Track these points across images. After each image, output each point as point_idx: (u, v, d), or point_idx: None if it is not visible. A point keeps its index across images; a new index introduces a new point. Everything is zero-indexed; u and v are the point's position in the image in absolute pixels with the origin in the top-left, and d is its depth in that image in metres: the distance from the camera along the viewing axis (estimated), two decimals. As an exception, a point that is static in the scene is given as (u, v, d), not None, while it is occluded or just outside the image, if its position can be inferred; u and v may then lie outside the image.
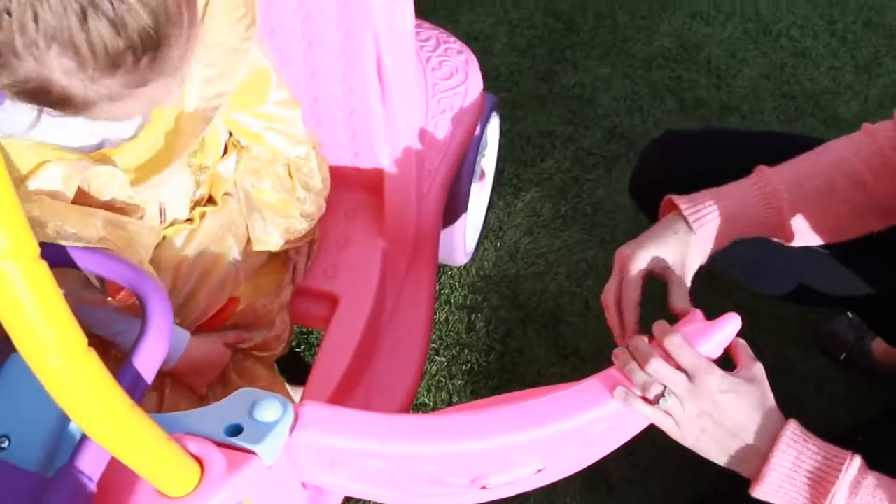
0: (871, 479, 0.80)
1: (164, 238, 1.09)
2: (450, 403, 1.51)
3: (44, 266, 0.51)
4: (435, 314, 1.53)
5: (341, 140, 1.26)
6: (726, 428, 0.82)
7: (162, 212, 1.07)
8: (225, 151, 1.16)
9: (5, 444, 0.79)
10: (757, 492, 0.82)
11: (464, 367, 1.55)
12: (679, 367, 0.81)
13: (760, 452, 0.82)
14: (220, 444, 0.75)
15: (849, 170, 0.99)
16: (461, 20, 2.02)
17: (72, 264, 0.89)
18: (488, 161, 1.64)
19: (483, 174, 1.60)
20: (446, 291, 1.62)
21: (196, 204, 1.12)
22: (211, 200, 1.14)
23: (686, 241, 0.96)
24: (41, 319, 0.50)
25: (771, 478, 0.80)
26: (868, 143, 1.00)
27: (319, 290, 1.27)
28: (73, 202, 0.96)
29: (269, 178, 1.14)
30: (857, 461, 0.80)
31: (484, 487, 0.88)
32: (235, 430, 0.80)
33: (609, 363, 0.85)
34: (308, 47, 1.17)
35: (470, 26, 2.00)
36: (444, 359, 1.55)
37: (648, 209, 1.16)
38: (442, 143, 1.31)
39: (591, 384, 0.83)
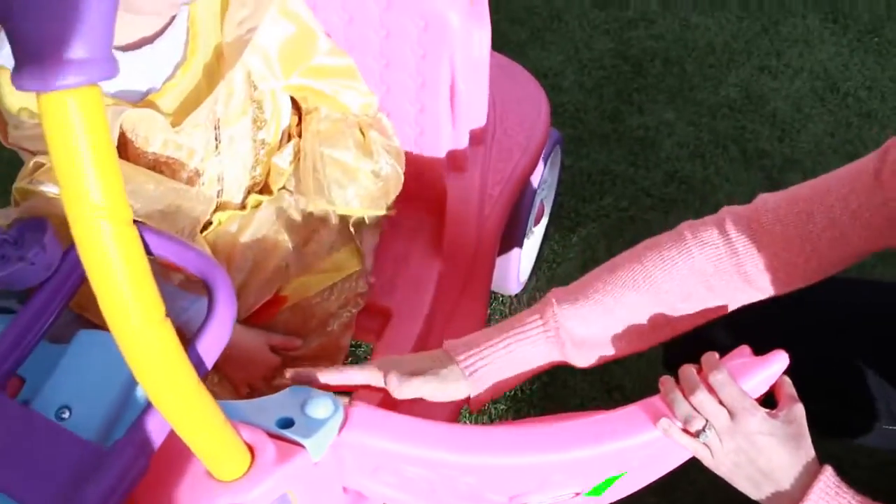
0: None
1: (218, 224, 1.11)
2: (491, 427, 1.51)
3: (135, 231, 0.52)
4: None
5: (408, 158, 1.27)
6: (760, 467, 0.81)
7: (220, 179, 1.09)
8: (289, 139, 1.18)
9: (66, 415, 0.80)
10: None
11: (508, 393, 1.54)
12: (722, 403, 0.81)
13: (793, 498, 0.80)
14: (271, 435, 0.76)
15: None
16: (530, 56, 2.03)
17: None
18: (548, 194, 1.64)
19: (542, 206, 1.61)
20: (497, 317, 1.62)
21: (250, 190, 1.14)
22: (266, 191, 1.16)
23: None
24: (128, 281, 0.52)
25: None
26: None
27: (374, 303, 1.27)
28: (123, 156, 0.98)
29: (341, 139, 1.14)
30: None
31: (520, 508, 0.88)
32: (286, 424, 0.80)
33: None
34: (385, 66, 1.19)
35: (539, 62, 2.01)
36: (489, 383, 1.55)
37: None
38: (505, 170, 1.32)
39: (635, 411, 0.82)
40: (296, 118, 1.17)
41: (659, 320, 0.91)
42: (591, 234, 1.72)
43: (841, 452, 0.82)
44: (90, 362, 0.85)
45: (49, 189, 0.88)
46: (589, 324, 0.90)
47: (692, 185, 1.78)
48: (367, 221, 1.18)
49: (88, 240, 0.50)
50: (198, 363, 0.79)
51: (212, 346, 0.80)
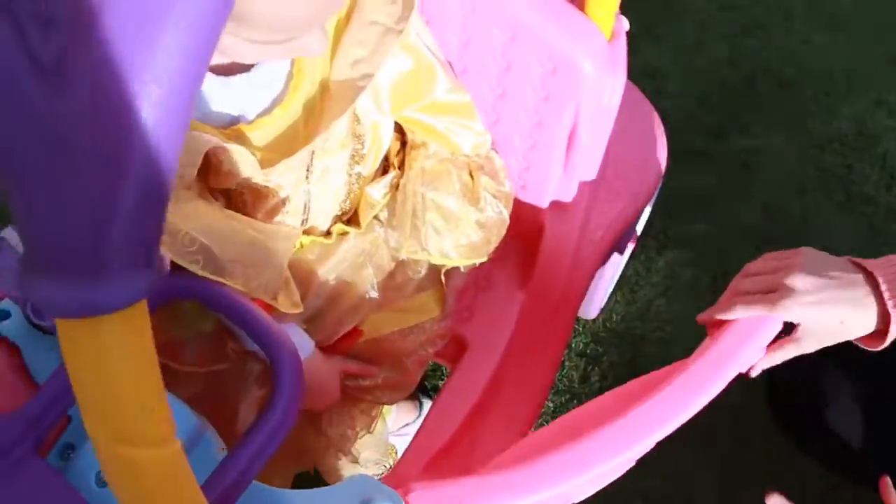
0: None
1: (301, 247, 1.00)
2: (546, 450, 1.41)
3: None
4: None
5: (509, 188, 1.14)
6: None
7: (306, 209, 0.97)
8: (384, 172, 1.06)
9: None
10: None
11: (568, 417, 1.44)
12: None
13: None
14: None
15: None
16: (641, 50, 1.85)
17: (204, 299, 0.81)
18: (641, 221, 1.50)
19: (636, 235, 1.47)
20: (573, 337, 1.51)
21: (338, 219, 1.02)
22: (353, 220, 1.04)
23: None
24: None
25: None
26: None
27: (451, 328, 1.16)
28: (205, 183, 0.87)
29: (447, 182, 1.02)
30: None
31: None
32: None
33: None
34: (500, 96, 1.06)
35: (648, 60, 1.84)
36: (552, 404, 1.45)
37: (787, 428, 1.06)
38: (611, 213, 1.18)
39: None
40: (397, 145, 1.04)
41: None
42: (678, 259, 1.59)
43: None
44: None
45: None
46: None
47: (790, 224, 1.63)
48: (462, 269, 1.06)
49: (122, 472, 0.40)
50: (253, 458, 0.71)
51: (272, 436, 0.72)
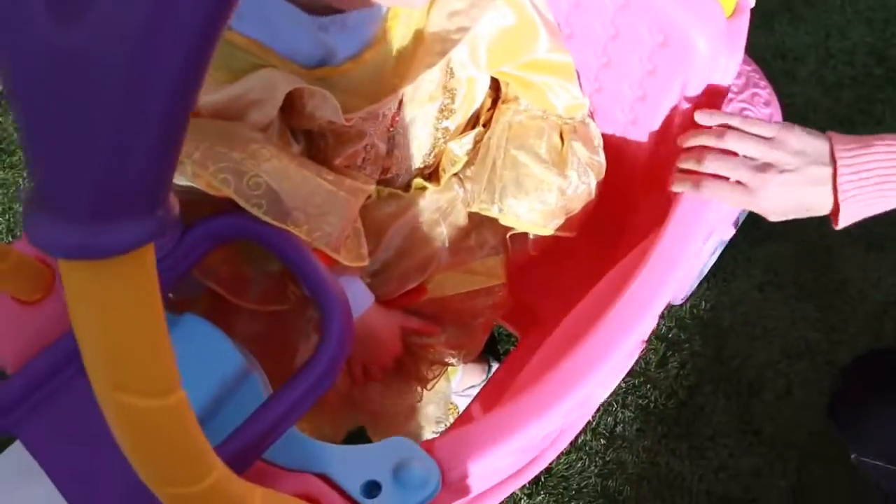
0: None
1: (378, 197, 0.98)
2: (612, 431, 1.38)
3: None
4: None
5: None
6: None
7: (389, 158, 0.95)
8: (475, 125, 1.03)
9: None
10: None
11: (640, 401, 1.40)
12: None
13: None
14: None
15: None
16: (776, 30, 1.76)
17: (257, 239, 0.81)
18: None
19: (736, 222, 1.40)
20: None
21: (419, 172, 1.00)
22: (434, 177, 1.02)
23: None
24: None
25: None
26: None
27: (523, 299, 1.14)
28: (286, 123, 0.85)
29: (535, 141, 0.99)
30: None
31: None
32: (372, 488, 0.72)
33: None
34: (605, 65, 1.01)
35: (783, 40, 1.74)
36: (624, 384, 1.41)
37: (851, 440, 1.03)
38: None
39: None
40: (489, 102, 1.01)
41: None
42: (780, 253, 1.51)
43: None
44: (189, 354, 0.77)
45: (176, 180, 0.76)
46: None
47: (907, 229, 1.52)
48: (529, 235, 1.02)
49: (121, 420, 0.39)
50: (295, 404, 0.71)
51: (314, 387, 0.72)
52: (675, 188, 0.89)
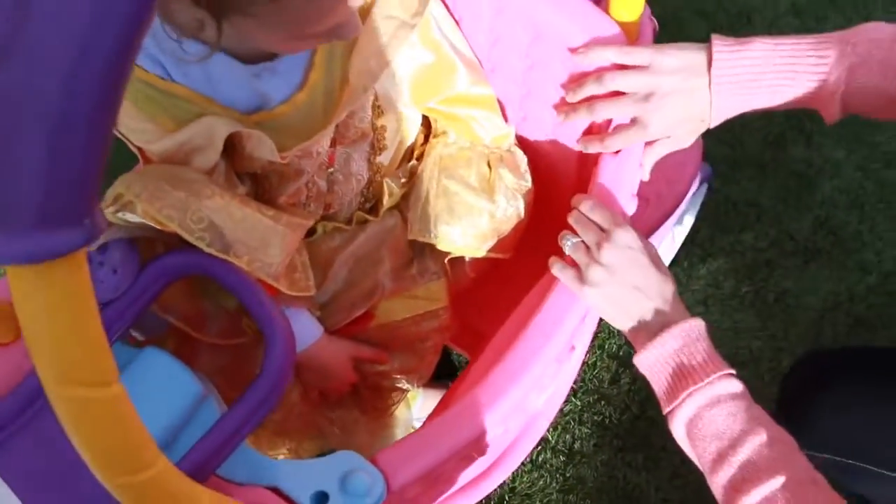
0: (739, 403, 0.79)
1: (323, 232, 1.06)
2: (571, 448, 1.44)
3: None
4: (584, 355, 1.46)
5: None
6: (631, 282, 0.85)
7: (329, 195, 1.03)
8: (409, 159, 1.11)
9: None
10: (637, 358, 0.85)
11: (596, 418, 1.47)
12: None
13: (659, 324, 0.84)
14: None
15: None
16: (707, 57, 1.86)
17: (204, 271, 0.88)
18: (683, 227, 1.52)
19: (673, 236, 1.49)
20: (602, 336, 1.54)
21: (360, 206, 1.08)
22: (374, 210, 1.10)
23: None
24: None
25: (651, 351, 0.83)
26: None
27: (471, 323, 1.21)
28: (231, 166, 0.93)
29: (464, 170, 1.06)
30: (735, 383, 0.80)
31: None
32: (321, 499, 0.78)
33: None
34: (526, 94, 1.10)
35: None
36: (580, 402, 1.48)
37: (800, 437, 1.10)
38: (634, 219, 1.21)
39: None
40: (422, 138, 1.10)
41: None
42: (721, 269, 1.59)
43: None
44: (150, 384, 0.84)
45: (130, 217, 0.83)
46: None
47: (841, 238, 1.61)
48: (466, 259, 1.10)
49: (67, 410, 0.46)
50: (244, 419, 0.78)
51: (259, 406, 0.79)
52: (586, 149, 0.96)
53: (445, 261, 1.11)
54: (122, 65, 0.40)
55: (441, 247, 1.06)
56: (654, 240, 1.29)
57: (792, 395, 1.16)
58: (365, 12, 0.90)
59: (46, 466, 0.80)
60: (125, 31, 0.39)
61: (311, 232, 1.06)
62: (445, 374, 1.47)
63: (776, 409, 1.20)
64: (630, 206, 0.97)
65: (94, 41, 0.38)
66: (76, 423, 0.48)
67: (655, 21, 1.04)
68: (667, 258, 1.54)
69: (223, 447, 0.79)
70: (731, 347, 1.51)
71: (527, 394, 0.93)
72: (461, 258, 1.11)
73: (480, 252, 1.07)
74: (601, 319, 1.48)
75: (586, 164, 1.11)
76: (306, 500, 0.79)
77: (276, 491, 0.81)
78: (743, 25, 1.90)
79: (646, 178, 0.97)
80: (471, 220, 1.05)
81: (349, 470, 0.80)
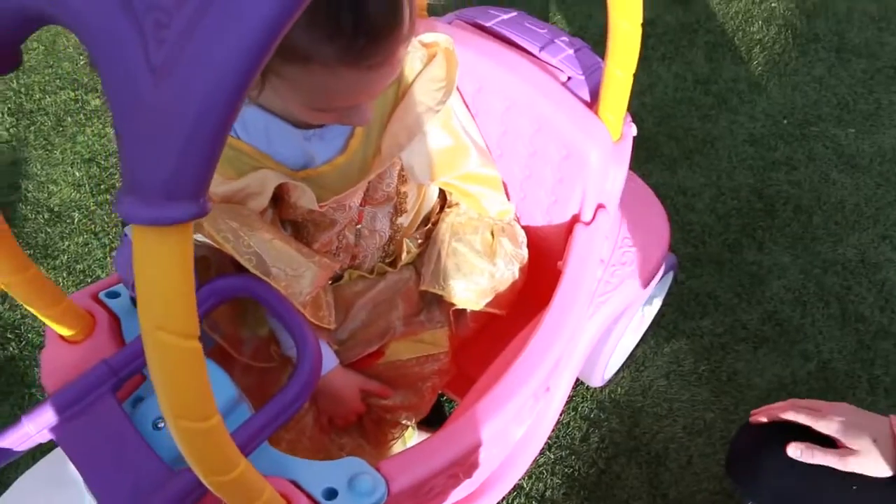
0: None
1: (349, 279, 1.13)
2: (543, 496, 1.48)
3: (198, 345, 0.54)
4: (560, 414, 1.51)
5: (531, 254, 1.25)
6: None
7: (356, 246, 1.11)
8: (426, 224, 1.18)
9: (161, 425, 0.85)
10: None
11: (566, 470, 1.51)
12: None
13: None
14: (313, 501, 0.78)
15: None
16: (678, 173, 1.98)
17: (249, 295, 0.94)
18: (652, 308, 1.59)
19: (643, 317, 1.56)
20: (577, 399, 1.59)
21: (381, 259, 1.15)
22: (393, 263, 1.17)
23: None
24: (181, 385, 0.55)
25: None
26: None
27: (464, 370, 1.27)
28: (277, 213, 1.01)
29: (471, 235, 1.14)
30: None
31: None
32: (331, 494, 0.82)
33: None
34: (527, 177, 1.19)
35: (683, 181, 1.96)
36: (553, 455, 1.52)
37: (747, 491, 1.15)
38: (609, 288, 1.28)
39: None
40: (437, 207, 1.18)
41: None
42: (682, 349, 1.66)
43: None
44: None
45: (196, 237, 0.91)
46: None
47: (786, 330, 1.69)
48: (468, 312, 1.17)
49: (155, 351, 0.52)
50: (277, 415, 0.83)
51: (292, 401, 0.84)
52: (800, 456, 1.05)
53: (450, 312, 1.17)
54: (244, 87, 0.48)
55: (447, 299, 1.13)
56: (627, 311, 1.36)
57: (737, 457, 1.20)
58: (402, 95, 0.99)
59: (99, 443, 0.85)
60: (253, 64, 0.47)
61: (338, 278, 1.13)
62: (436, 420, 1.52)
63: (725, 469, 1.25)
64: (597, 270, 1.05)
65: (229, 69, 0.47)
66: (162, 363, 0.54)
67: (635, 127, 1.13)
68: (637, 334, 1.61)
69: (254, 437, 0.84)
70: (688, 417, 1.57)
71: (507, 424, 0.99)
72: (464, 311, 1.18)
73: (479, 306, 1.14)
74: (577, 381, 1.55)
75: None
76: (319, 494, 0.83)
77: (293, 483, 0.85)
78: (708, 149, 2.02)
79: None
80: (473, 277, 1.12)
81: (356, 472, 0.85)
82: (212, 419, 0.59)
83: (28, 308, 0.85)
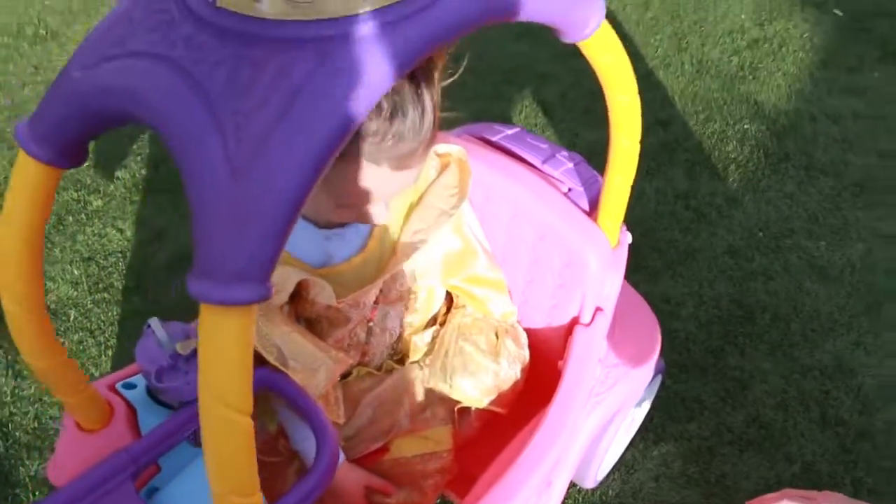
0: None
1: (357, 375, 1.15)
2: None
3: (250, 423, 0.56)
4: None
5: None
6: None
7: (367, 343, 1.13)
8: (434, 324, 1.21)
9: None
10: None
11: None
12: None
13: None
14: None
15: None
16: (660, 283, 2.04)
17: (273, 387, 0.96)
18: (642, 410, 1.62)
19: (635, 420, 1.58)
20: (569, 502, 1.59)
21: (389, 356, 1.18)
22: (401, 361, 1.20)
23: None
24: (234, 462, 0.56)
25: None
26: None
27: (466, 469, 1.28)
28: (294, 309, 1.03)
29: (476, 336, 1.17)
30: None
31: None
32: None
33: None
34: (529, 282, 1.23)
35: (666, 290, 2.02)
36: (548, 557, 1.51)
37: None
38: (601, 393, 1.31)
39: None
40: (444, 308, 1.22)
41: None
42: (670, 452, 1.68)
43: None
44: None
45: None
46: None
47: (770, 433, 1.72)
48: (472, 410, 1.19)
49: (213, 424, 0.55)
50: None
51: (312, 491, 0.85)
52: None
53: (455, 409, 1.19)
54: (312, 185, 0.53)
55: (453, 396, 1.16)
56: (621, 411, 1.39)
57: None
58: (418, 200, 1.05)
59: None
60: (321, 166, 0.52)
61: (346, 374, 1.15)
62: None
63: None
64: (596, 369, 1.08)
65: (303, 170, 0.51)
66: (218, 436, 0.56)
67: (630, 234, 1.19)
68: (627, 436, 1.63)
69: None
70: (679, 519, 1.57)
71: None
72: (468, 409, 1.20)
73: (482, 404, 1.17)
74: (570, 484, 1.56)
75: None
76: None
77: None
78: (689, 261, 2.09)
79: None
80: (479, 376, 1.15)
81: None
82: (255, 496, 0.61)
83: (54, 394, 0.86)
